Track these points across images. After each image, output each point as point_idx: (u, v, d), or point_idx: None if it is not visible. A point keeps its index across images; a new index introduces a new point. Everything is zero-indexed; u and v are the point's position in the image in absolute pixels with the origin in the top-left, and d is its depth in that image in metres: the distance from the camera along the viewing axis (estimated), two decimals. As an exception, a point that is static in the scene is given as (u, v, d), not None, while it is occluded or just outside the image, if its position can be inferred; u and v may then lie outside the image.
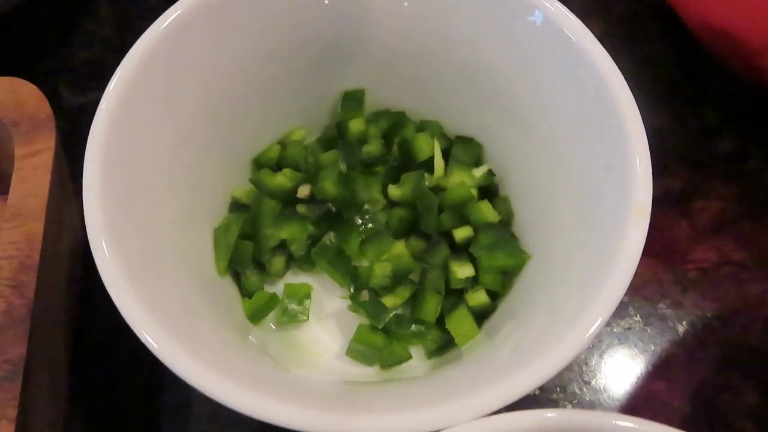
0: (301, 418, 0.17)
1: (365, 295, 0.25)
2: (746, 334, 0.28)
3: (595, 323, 0.18)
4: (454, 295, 0.26)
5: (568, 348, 0.18)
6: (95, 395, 0.26)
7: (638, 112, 0.21)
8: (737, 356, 0.28)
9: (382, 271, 0.25)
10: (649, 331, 0.28)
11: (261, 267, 0.27)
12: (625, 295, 0.29)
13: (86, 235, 0.19)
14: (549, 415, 0.17)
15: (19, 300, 0.21)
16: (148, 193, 0.23)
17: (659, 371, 0.27)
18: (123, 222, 0.21)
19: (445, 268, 0.26)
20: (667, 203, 0.31)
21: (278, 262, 0.26)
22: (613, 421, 0.16)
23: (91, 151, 0.20)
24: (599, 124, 0.22)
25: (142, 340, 0.18)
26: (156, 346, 0.18)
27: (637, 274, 0.30)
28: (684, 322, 0.28)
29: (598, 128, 0.22)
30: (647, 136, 0.21)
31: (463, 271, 0.25)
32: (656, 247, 0.30)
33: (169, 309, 0.20)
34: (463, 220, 0.26)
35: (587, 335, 0.18)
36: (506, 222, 0.27)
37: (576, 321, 0.18)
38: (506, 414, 0.17)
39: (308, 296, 0.26)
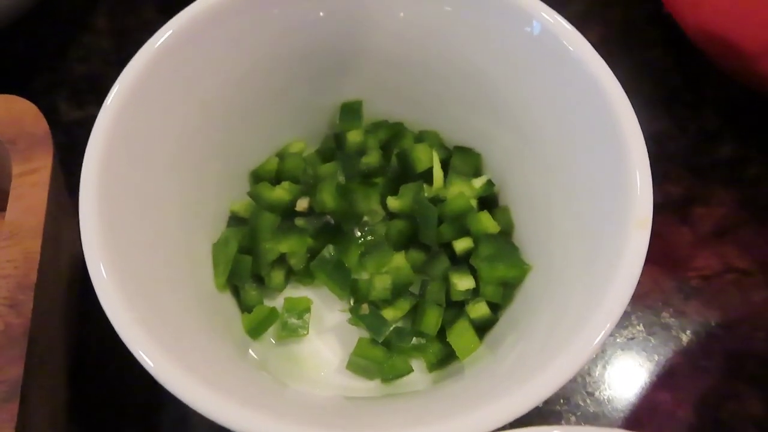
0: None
1: (365, 308, 0.25)
2: (751, 341, 0.28)
3: (597, 336, 0.18)
4: (455, 307, 0.25)
5: (571, 361, 0.18)
6: (94, 412, 0.26)
7: (637, 123, 0.21)
8: (742, 365, 0.27)
9: (381, 283, 0.25)
10: (652, 340, 0.28)
11: (260, 281, 0.26)
12: (628, 303, 0.29)
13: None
14: (552, 432, 0.16)
15: (16, 319, 0.20)
16: (145, 209, 0.22)
17: (663, 381, 0.27)
18: (120, 240, 0.20)
19: (446, 280, 0.25)
20: (668, 210, 0.31)
21: (277, 275, 0.26)
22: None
23: (88, 168, 0.20)
24: (598, 134, 0.22)
25: (139, 359, 0.18)
26: (152, 365, 0.18)
27: (639, 283, 0.30)
28: (688, 331, 0.28)
29: (597, 139, 0.22)
30: (647, 141, 0.20)
31: (463, 283, 0.25)
32: (658, 255, 0.30)
33: (167, 327, 0.20)
34: (463, 231, 0.26)
35: (590, 348, 0.18)
36: (506, 232, 0.27)
37: (578, 333, 0.18)
38: (510, 431, 0.16)
39: (308, 310, 0.26)
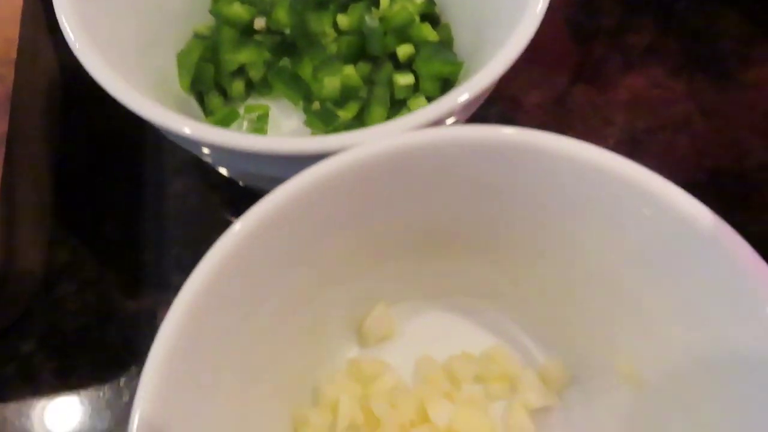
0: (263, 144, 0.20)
1: (317, 105, 0.28)
2: (672, 146, 0.31)
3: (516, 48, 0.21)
4: (398, 106, 0.28)
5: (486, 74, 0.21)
6: (76, 212, 0.29)
7: None
8: (664, 164, 0.30)
9: (331, 83, 0.28)
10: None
11: (224, 94, 0.29)
12: (559, 110, 0.31)
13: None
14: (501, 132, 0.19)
15: (-1, 88, 0.23)
16: (112, 17, 0.25)
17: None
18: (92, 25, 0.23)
19: (390, 84, 0.28)
20: (601, 37, 0.33)
21: (238, 85, 0.29)
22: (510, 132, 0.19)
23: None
24: None
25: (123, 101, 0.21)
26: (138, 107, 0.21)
27: (573, 100, 0.32)
28: (615, 138, 0.31)
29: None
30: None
31: (404, 79, 0.28)
32: (591, 76, 0.32)
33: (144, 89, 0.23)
34: (407, 41, 0.29)
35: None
36: (447, 44, 0.29)
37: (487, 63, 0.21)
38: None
39: (266, 115, 0.28)
